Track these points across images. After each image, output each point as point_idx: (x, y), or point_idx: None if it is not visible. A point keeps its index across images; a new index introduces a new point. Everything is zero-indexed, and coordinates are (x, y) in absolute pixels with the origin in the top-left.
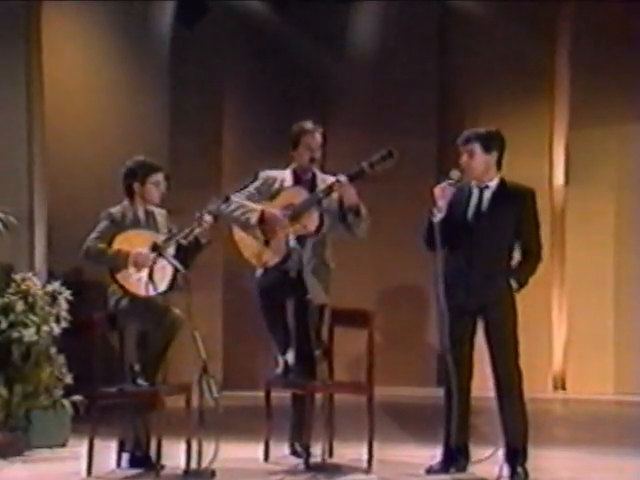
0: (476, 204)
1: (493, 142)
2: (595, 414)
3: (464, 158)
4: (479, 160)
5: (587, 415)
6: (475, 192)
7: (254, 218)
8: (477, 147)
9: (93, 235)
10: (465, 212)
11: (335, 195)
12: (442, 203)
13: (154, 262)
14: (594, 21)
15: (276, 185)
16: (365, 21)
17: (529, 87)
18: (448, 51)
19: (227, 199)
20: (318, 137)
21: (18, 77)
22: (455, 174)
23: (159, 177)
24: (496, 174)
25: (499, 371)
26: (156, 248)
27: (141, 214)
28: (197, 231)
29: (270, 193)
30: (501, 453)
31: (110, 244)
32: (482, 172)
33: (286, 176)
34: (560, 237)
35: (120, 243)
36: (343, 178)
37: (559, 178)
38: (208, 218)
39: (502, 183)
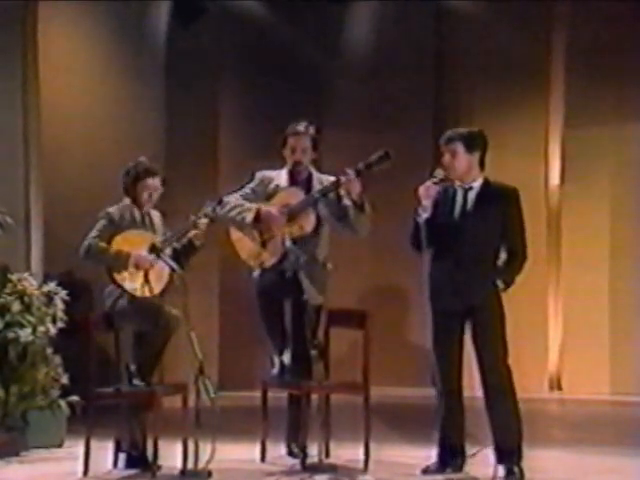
0: (461, 205)
1: (475, 142)
2: (591, 414)
3: (446, 158)
4: (462, 160)
5: (583, 415)
6: (460, 193)
7: (250, 217)
8: (459, 147)
9: (93, 234)
10: (451, 213)
11: (333, 194)
12: (427, 202)
13: (152, 264)
14: (589, 21)
15: (272, 185)
16: (362, 22)
17: (524, 87)
18: (444, 51)
19: (220, 202)
20: (304, 139)
21: (14, 78)
22: (439, 173)
23: (152, 181)
24: (480, 174)
25: (487, 371)
26: (154, 249)
27: (138, 215)
28: (192, 234)
29: (266, 194)
30: (492, 453)
31: (109, 244)
32: (465, 172)
33: (282, 176)
34: (556, 237)
35: (119, 243)
36: (350, 171)
37: (555, 178)
38: (204, 221)
39: (486, 183)
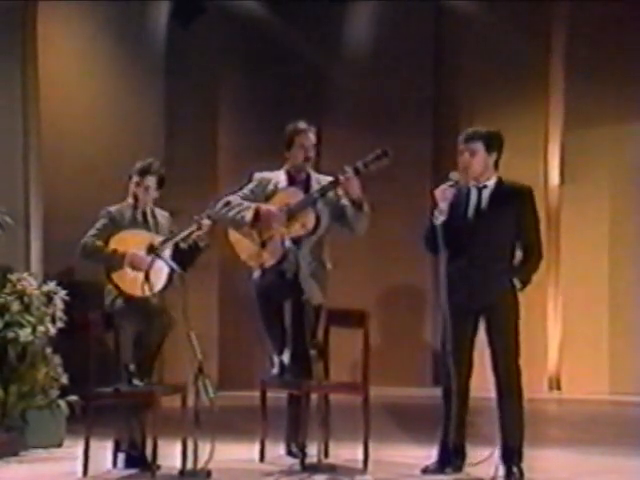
0: (475, 204)
1: (495, 142)
2: (590, 414)
3: (466, 156)
4: (480, 159)
5: (582, 415)
6: (474, 192)
7: (249, 215)
8: (480, 146)
9: (91, 232)
10: (465, 213)
11: (331, 194)
12: (443, 205)
13: (150, 265)
14: (588, 22)
15: (270, 186)
16: (361, 22)
17: (524, 87)
18: (443, 52)
19: (228, 204)
20: (311, 136)
21: (14, 77)
22: (455, 175)
23: (147, 180)
24: (494, 173)
25: (500, 371)
26: (152, 249)
27: (139, 214)
28: (195, 234)
29: (265, 194)
30: (497, 453)
31: (107, 243)
32: (481, 172)
33: (280, 177)
34: (555, 237)
35: (116, 243)
36: (349, 170)
37: (554, 178)
38: (207, 222)
39: (500, 182)
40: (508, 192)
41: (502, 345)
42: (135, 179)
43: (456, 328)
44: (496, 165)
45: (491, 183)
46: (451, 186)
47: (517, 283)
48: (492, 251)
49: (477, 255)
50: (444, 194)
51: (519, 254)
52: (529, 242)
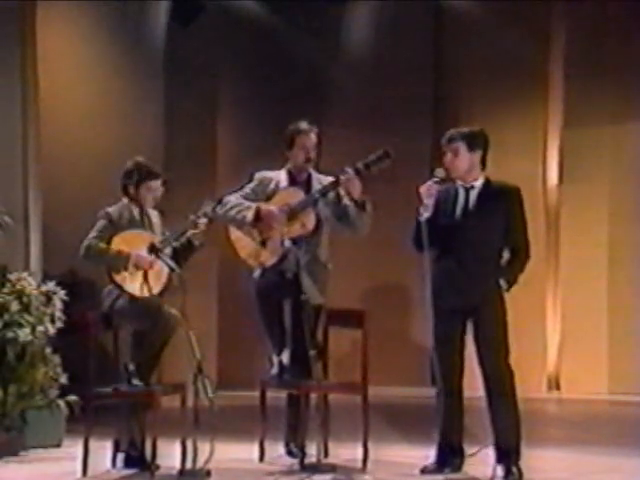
0: (463, 204)
1: (477, 141)
2: (589, 414)
3: (448, 157)
4: (463, 159)
5: (581, 415)
6: (461, 192)
7: (250, 215)
8: (461, 146)
9: (92, 234)
10: (452, 212)
11: (332, 194)
12: (428, 201)
13: (152, 264)
14: (587, 21)
15: (271, 186)
16: (360, 21)
17: (523, 87)
18: (443, 51)
19: (220, 201)
20: (313, 137)
21: (13, 77)
22: (440, 172)
23: (155, 184)
24: (480, 173)
25: (488, 371)
26: (154, 249)
27: (137, 214)
28: (190, 233)
29: (266, 194)
30: (492, 453)
31: (108, 244)
32: (466, 171)
33: (281, 177)
34: (554, 236)
35: (119, 244)
36: (350, 170)
37: (553, 177)
38: (203, 221)
39: (487, 182)
40: (496, 192)
41: (489, 345)
42: (150, 183)
43: (443, 329)
44: (483, 164)
45: (479, 183)
46: (437, 182)
47: (503, 283)
48: (479, 251)
49: (464, 255)
50: (429, 191)
51: (507, 254)
52: (516, 243)
